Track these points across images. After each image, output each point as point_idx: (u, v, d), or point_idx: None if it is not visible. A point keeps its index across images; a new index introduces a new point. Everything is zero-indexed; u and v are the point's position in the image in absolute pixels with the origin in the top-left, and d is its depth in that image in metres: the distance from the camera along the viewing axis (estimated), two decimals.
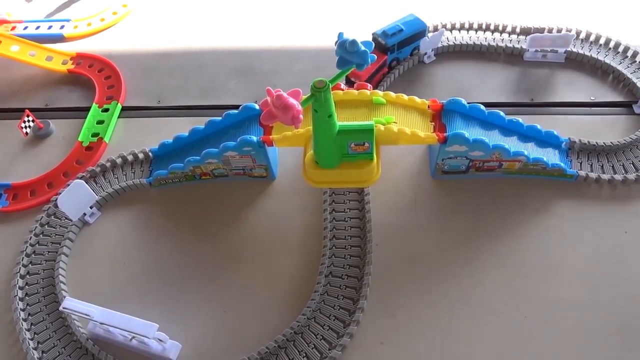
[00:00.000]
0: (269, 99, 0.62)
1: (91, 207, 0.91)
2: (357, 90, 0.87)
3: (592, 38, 1.09)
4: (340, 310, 0.77)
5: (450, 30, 1.15)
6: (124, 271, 0.86)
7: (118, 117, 1.08)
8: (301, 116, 0.61)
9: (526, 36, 1.09)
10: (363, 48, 0.65)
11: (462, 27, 1.15)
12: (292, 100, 0.61)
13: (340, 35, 0.67)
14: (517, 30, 1.13)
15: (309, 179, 0.81)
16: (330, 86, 0.65)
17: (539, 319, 0.76)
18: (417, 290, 0.80)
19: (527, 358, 0.72)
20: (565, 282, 0.79)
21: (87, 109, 1.09)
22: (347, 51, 0.66)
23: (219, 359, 0.75)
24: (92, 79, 1.14)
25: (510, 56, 1.11)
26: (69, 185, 0.88)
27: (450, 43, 1.12)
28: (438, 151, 0.85)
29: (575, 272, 0.80)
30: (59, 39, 1.28)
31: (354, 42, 0.64)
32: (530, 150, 0.86)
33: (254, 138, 0.83)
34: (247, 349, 0.75)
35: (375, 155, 0.78)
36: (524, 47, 1.09)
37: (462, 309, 0.77)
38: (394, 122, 0.82)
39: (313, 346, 0.74)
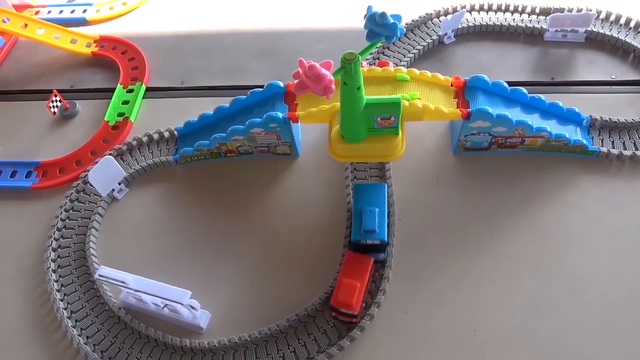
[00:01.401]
0: (300, 70, 0.64)
1: (119, 184, 0.93)
2: (380, 67, 0.88)
3: (612, 17, 1.09)
4: None
5: (470, 12, 1.16)
6: (152, 245, 0.88)
7: (142, 98, 1.10)
8: (333, 86, 0.63)
9: (546, 16, 1.09)
10: (392, 20, 0.66)
11: (481, 8, 1.15)
12: (324, 71, 0.62)
13: (369, 8, 0.68)
14: (537, 10, 1.13)
15: (334, 153, 0.82)
16: (360, 59, 0.66)
17: (562, 292, 0.77)
18: (440, 264, 0.81)
19: (549, 330, 0.74)
20: (587, 257, 0.80)
21: (111, 90, 1.11)
22: (376, 24, 0.66)
23: (248, 327, 0.77)
24: (116, 61, 1.16)
25: (530, 36, 1.11)
26: (98, 161, 0.90)
27: (470, 24, 1.12)
28: (461, 127, 0.86)
29: (597, 246, 0.81)
30: (82, 22, 1.29)
31: (383, 14, 0.65)
32: (552, 127, 0.87)
33: (280, 114, 0.84)
34: (275, 318, 0.77)
35: (400, 130, 0.79)
36: (544, 27, 1.09)
37: (484, 281, 0.79)
38: (418, 99, 0.83)
39: None
